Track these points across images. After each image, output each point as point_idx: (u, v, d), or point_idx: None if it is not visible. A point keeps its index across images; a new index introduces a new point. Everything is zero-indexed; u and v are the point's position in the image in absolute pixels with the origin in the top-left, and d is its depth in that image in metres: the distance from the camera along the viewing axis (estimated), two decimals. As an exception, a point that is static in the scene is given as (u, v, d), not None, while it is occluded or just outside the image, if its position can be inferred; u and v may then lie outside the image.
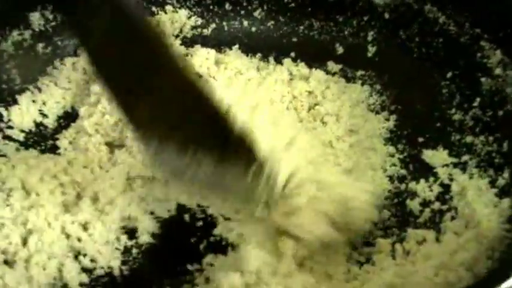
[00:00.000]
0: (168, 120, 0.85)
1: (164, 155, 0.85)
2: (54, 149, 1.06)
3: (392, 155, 1.03)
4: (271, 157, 0.86)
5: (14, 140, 1.06)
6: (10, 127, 1.07)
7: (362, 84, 1.14)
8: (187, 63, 0.86)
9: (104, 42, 0.83)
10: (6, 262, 0.87)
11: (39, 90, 1.12)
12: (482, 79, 1.02)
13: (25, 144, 1.06)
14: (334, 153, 1.04)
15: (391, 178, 1.00)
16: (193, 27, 1.23)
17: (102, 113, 1.06)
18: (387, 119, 1.08)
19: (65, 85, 1.13)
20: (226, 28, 1.23)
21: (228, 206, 0.95)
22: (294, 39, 1.22)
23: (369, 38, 1.18)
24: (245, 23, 1.23)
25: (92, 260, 0.91)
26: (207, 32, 1.23)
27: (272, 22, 1.23)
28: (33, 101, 1.10)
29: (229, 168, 0.84)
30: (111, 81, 0.85)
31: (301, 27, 1.22)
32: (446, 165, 1.00)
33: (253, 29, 1.23)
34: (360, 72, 1.15)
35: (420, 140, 1.05)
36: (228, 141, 0.83)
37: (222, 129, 0.83)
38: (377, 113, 1.10)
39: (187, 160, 0.84)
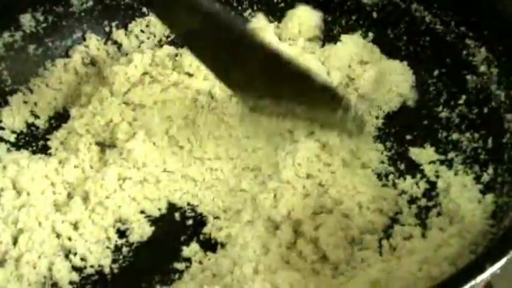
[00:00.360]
0: (261, 83, 1.00)
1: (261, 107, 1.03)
2: (45, 150, 1.07)
3: (380, 153, 1.05)
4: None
5: (5, 141, 1.08)
6: (1, 128, 1.09)
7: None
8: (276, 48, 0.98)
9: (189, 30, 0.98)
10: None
11: (31, 91, 1.13)
12: (468, 77, 1.02)
13: (16, 145, 1.08)
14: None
15: (379, 175, 1.02)
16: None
17: (93, 114, 1.07)
18: (376, 117, 1.09)
19: (56, 86, 1.14)
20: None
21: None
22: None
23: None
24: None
25: (82, 259, 0.93)
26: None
27: (262, 22, 1.23)
28: (25, 102, 1.12)
29: (318, 110, 1.00)
30: (203, 59, 1.01)
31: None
32: (433, 162, 1.01)
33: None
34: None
35: (408, 137, 1.06)
36: (316, 95, 0.98)
37: (305, 85, 0.97)
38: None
39: (282, 109, 1.02)
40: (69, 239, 0.94)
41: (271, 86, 1.00)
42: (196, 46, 0.99)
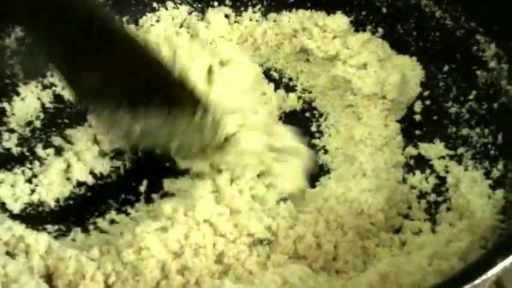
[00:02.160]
0: (116, 88, 0.88)
1: (117, 119, 0.90)
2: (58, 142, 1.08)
3: (390, 149, 1.05)
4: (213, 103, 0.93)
5: (18, 134, 1.08)
6: (14, 121, 1.09)
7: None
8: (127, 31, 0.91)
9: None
10: (8, 253, 0.89)
11: (42, 85, 1.13)
12: (478, 72, 1.02)
13: (28, 137, 1.08)
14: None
15: (388, 171, 1.02)
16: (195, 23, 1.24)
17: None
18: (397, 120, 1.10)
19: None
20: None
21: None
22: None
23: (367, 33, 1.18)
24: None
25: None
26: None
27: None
28: (36, 96, 1.12)
29: (177, 115, 0.90)
30: (55, 59, 0.90)
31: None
32: (443, 157, 1.02)
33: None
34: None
35: (417, 132, 1.07)
36: (173, 93, 0.90)
37: (167, 83, 0.90)
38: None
39: (138, 119, 0.89)
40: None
41: (129, 88, 0.89)
42: (42, 34, 0.87)
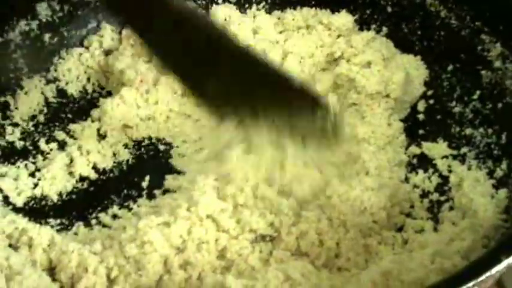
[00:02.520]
0: (235, 92, 0.95)
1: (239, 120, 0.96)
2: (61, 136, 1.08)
3: (393, 148, 1.05)
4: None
5: (21, 127, 1.08)
6: (17, 115, 1.09)
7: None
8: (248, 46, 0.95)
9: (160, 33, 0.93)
10: (10, 246, 0.89)
11: (46, 79, 1.13)
12: (483, 72, 1.02)
13: (31, 132, 1.08)
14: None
15: (391, 170, 1.01)
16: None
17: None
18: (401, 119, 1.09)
19: (71, 76, 1.15)
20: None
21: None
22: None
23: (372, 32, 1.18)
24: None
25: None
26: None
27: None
28: (40, 90, 1.12)
29: (298, 117, 0.94)
30: (176, 70, 0.97)
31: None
32: (446, 156, 1.01)
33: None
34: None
35: (420, 132, 1.07)
36: (293, 96, 0.94)
37: (287, 89, 0.94)
38: (378, 105, 1.11)
39: (260, 122, 0.95)
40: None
41: (247, 93, 0.95)
42: (167, 53, 0.95)
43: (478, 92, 1.03)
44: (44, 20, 1.13)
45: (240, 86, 0.94)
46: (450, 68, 1.09)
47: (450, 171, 0.99)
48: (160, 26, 0.91)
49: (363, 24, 1.19)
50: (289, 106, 0.94)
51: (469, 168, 0.97)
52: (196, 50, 0.92)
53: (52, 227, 0.95)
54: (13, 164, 1.03)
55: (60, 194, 1.01)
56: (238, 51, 0.93)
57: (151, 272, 0.84)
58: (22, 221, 0.91)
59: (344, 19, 1.17)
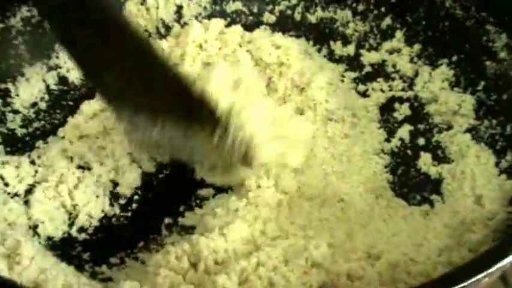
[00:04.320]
0: (136, 93, 0.89)
1: (136, 124, 0.89)
2: (62, 123, 1.07)
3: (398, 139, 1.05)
4: (233, 119, 0.90)
5: (22, 115, 1.07)
6: (18, 102, 1.08)
7: (367, 67, 1.15)
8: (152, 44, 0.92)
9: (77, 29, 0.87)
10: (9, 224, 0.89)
11: (47, 66, 1.12)
12: (487, 63, 1.02)
13: (32, 119, 1.08)
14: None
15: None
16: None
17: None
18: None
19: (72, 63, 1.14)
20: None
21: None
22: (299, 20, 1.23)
23: (376, 22, 1.18)
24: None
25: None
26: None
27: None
28: (41, 78, 1.11)
29: (196, 133, 0.89)
30: (81, 59, 0.89)
31: (310, 10, 1.23)
32: (452, 148, 1.01)
33: (255, 10, 1.24)
34: (366, 55, 1.16)
35: (427, 123, 1.06)
36: (193, 109, 0.88)
37: (187, 98, 0.88)
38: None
39: (157, 129, 0.88)
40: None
41: (148, 95, 0.89)
42: (62, 28, 0.89)
43: (482, 83, 1.03)
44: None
45: (138, 80, 0.88)
46: (455, 58, 1.08)
47: (457, 163, 0.98)
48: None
49: (367, 15, 1.18)
50: (190, 116, 0.89)
51: (475, 160, 0.97)
52: (90, 25, 0.86)
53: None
54: (14, 151, 1.03)
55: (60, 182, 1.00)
56: (140, 46, 0.88)
57: None
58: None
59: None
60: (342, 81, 1.13)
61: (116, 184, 1.00)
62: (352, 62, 1.16)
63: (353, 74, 1.14)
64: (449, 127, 1.04)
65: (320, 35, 1.20)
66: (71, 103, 1.11)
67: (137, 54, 0.87)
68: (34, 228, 0.93)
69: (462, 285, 0.62)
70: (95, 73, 0.90)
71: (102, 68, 0.88)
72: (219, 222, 0.88)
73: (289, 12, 1.23)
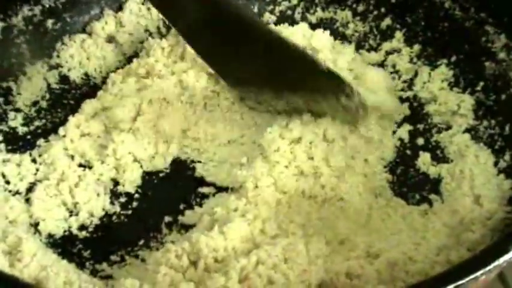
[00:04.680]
0: (260, 74, 0.99)
1: (260, 101, 1.02)
2: (63, 122, 1.07)
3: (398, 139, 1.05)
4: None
5: (23, 113, 1.08)
6: (20, 100, 1.09)
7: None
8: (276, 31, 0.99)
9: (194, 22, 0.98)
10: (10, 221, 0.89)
11: (49, 65, 1.13)
12: (486, 63, 1.03)
13: (34, 118, 1.08)
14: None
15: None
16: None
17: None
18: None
19: (74, 62, 1.14)
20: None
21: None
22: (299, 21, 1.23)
23: (376, 22, 1.19)
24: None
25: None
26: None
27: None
28: (43, 76, 1.12)
29: (323, 97, 0.97)
30: (204, 52, 1.02)
31: (310, 10, 1.23)
32: (451, 148, 1.01)
33: (255, 10, 1.24)
34: (365, 55, 1.17)
35: (426, 123, 1.07)
36: (319, 78, 0.96)
37: (313, 73, 0.96)
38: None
39: (284, 104, 1.00)
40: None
41: (273, 74, 0.97)
42: (198, 39, 0.98)
43: (481, 84, 1.04)
44: (47, 6, 1.13)
45: (266, 68, 0.97)
46: (453, 59, 1.09)
47: (456, 163, 0.99)
48: (191, 12, 0.95)
49: (366, 15, 1.19)
50: (316, 88, 0.96)
51: (474, 160, 0.97)
52: (224, 32, 0.96)
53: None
54: (15, 149, 1.03)
55: (61, 180, 1.00)
56: (264, 33, 0.95)
57: None
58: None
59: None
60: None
61: (116, 183, 1.00)
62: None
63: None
64: (449, 127, 1.04)
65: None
66: (72, 102, 1.11)
67: (266, 46, 0.96)
68: (35, 225, 0.93)
69: (459, 282, 0.63)
70: (224, 66, 1.01)
71: (231, 60, 0.99)
72: (218, 221, 0.88)
73: (289, 12, 1.24)
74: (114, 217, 0.97)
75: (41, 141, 1.05)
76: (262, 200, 0.92)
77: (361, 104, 0.99)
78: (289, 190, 0.95)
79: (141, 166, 1.03)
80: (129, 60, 1.16)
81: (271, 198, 0.93)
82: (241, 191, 0.95)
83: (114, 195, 0.99)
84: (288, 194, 0.95)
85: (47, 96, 1.11)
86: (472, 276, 0.63)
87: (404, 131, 1.06)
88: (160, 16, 1.19)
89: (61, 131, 1.04)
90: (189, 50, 1.12)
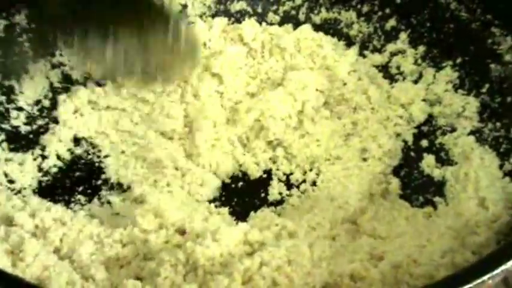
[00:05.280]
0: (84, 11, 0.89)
1: (87, 45, 0.89)
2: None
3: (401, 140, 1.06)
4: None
5: (26, 112, 1.07)
6: (22, 99, 1.08)
7: (371, 69, 1.15)
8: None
9: None
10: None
11: (51, 64, 1.12)
12: (492, 65, 1.02)
13: (36, 116, 1.08)
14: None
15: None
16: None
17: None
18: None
19: (76, 60, 1.14)
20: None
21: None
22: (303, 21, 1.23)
23: (381, 23, 1.18)
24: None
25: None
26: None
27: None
28: (45, 75, 1.11)
29: (149, 38, 0.88)
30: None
31: (314, 10, 1.23)
32: (456, 150, 1.01)
33: (259, 10, 1.24)
34: (370, 57, 1.16)
35: (430, 125, 1.07)
36: (142, 12, 0.89)
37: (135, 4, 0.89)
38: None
39: (110, 46, 0.88)
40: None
41: (95, 10, 0.89)
42: None
43: (486, 86, 1.03)
44: (50, 4, 1.12)
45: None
46: (459, 60, 1.08)
47: (460, 165, 0.98)
48: None
49: (371, 16, 1.18)
50: (138, 19, 0.89)
51: (479, 162, 0.97)
52: None
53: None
54: (18, 148, 1.03)
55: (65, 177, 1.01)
56: None
57: None
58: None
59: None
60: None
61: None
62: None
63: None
64: (453, 129, 1.04)
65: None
66: (74, 101, 1.11)
67: None
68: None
69: (466, 286, 0.62)
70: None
71: None
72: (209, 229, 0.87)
73: (293, 12, 1.23)
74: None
75: (43, 140, 1.04)
76: None
77: (192, 42, 0.94)
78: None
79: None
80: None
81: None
82: None
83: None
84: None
85: (50, 95, 1.10)
86: (479, 281, 0.63)
87: (408, 133, 1.05)
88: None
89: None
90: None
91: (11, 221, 0.88)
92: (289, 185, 1.03)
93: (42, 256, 0.80)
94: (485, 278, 0.63)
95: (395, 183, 1.00)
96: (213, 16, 1.22)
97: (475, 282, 0.63)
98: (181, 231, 0.87)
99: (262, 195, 1.02)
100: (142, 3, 0.88)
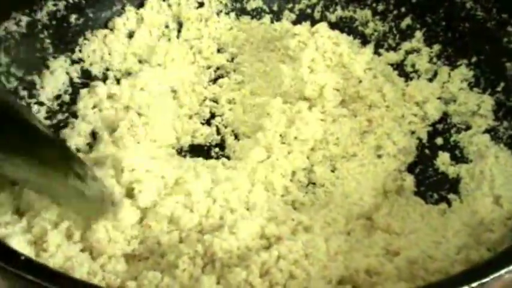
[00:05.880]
0: None
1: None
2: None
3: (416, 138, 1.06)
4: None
5: (46, 106, 1.09)
6: (43, 94, 1.09)
7: (386, 66, 1.16)
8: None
9: None
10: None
11: (71, 60, 1.14)
12: (508, 64, 1.02)
13: (56, 111, 1.09)
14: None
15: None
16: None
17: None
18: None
19: (96, 57, 1.16)
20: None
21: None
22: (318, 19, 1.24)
23: (396, 22, 1.19)
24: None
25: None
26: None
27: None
28: (65, 70, 1.13)
29: (49, 173, 0.81)
30: None
31: (330, 8, 1.24)
32: (471, 148, 1.02)
33: (275, 8, 1.26)
34: (385, 55, 1.17)
35: (445, 123, 1.07)
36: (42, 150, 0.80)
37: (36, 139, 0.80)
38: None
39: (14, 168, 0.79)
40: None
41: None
42: None
43: (502, 84, 1.04)
44: (70, 1, 1.14)
45: None
46: (474, 59, 1.09)
47: (476, 163, 0.99)
48: None
49: (386, 14, 1.19)
50: (42, 158, 0.79)
51: (494, 160, 0.97)
52: None
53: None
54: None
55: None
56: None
57: None
58: None
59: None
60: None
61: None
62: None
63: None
64: (468, 127, 1.05)
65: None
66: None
67: None
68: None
69: (484, 280, 0.63)
70: None
71: None
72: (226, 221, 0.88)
73: (309, 10, 1.25)
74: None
75: (63, 134, 1.06)
76: None
77: (101, 192, 0.85)
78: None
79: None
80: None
81: None
82: None
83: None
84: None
85: (69, 90, 1.12)
86: (496, 274, 0.63)
87: (423, 131, 1.06)
88: (182, 13, 1.21)
89: None
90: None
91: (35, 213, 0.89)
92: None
93: (64, 247, 0.82)
94: (502, 272, 0.64)
95: (409, 180, 1.00)
96: (230, 14, 1.24)
97: (492, 276, 0.63)
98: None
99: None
100: (42, 142, 0.80)
